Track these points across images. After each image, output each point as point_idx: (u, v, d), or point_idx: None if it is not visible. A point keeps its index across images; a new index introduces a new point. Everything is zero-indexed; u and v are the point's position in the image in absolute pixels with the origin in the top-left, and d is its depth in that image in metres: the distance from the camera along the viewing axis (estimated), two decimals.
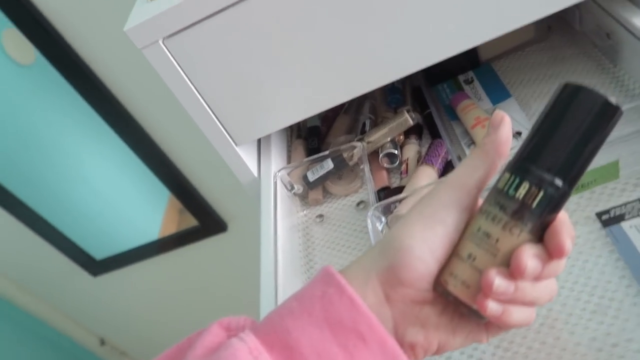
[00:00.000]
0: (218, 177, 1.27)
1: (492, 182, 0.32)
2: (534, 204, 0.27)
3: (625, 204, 0.47)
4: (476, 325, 0.33)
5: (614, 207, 0.47)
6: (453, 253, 0.31)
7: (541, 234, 0.29)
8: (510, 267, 0.28)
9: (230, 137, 0.57)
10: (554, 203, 0.28)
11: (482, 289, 0.29)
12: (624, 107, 0.46)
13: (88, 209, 1.39)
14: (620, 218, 0.46)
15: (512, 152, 0.31)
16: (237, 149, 0.58)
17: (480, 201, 0.32)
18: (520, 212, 0.28)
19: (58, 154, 1.23)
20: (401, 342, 0.31)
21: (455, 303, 0.31)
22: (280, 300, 0.48)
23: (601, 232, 0.46)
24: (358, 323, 0.29)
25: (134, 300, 1.65)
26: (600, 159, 0.47)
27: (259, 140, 0.67)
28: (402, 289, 0.31)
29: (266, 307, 0.47)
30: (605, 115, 0.27)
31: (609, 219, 0.46)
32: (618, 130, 0.49)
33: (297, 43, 0.50)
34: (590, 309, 0.42)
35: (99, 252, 1.50)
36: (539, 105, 0.61)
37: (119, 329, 1.78)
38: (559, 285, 0.44)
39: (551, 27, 0.69)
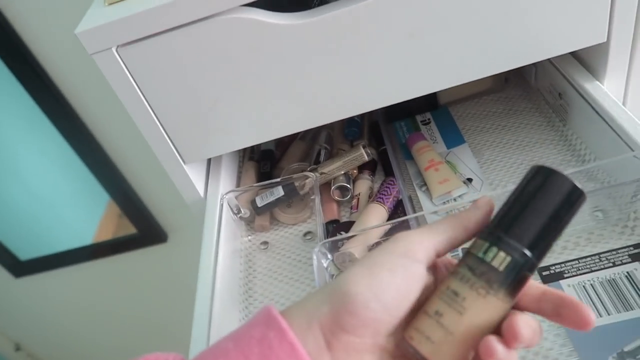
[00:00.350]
0: (163, 186, 1.22)
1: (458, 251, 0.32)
2: (501, 268, 0.29)
3: (565, 262, 0.48)
4: None
5: (555, 264, 0.48)
6: (420, 311, 0.30)
7: (510, 300, 0.30)
8: (505, 335, 0.28)
9: (179, 154, 0.54)
10: (521, 269, 0.29)
11: (483, 354, 0.27)
12: (571, 171, 0.47)
13: (16, 205, 1.30)
14: (559, 275, 0.47)
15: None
16: (185, 167, 0.55)
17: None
18: (487, 273, 0.29)
19: None
20: None
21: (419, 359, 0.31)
22: (214, 329, 0.45)
23: None
24: None
25: (57, 306, 1.55)
26: None
27: (209, 160, 0.64)
28: (345, 336, 0.29)
29: (198, 334, 0.45)
30: (572, 198, 0.30)
31: (549, 276, 0.47)
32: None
33: (258, 68, 0.49)
34: None
35: (24, 253, 1.40)
36: (491, 153, 0.62)
37: (37, 336, 1.66)
38: None
39: (508, 79, 0.72)
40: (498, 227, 0.30)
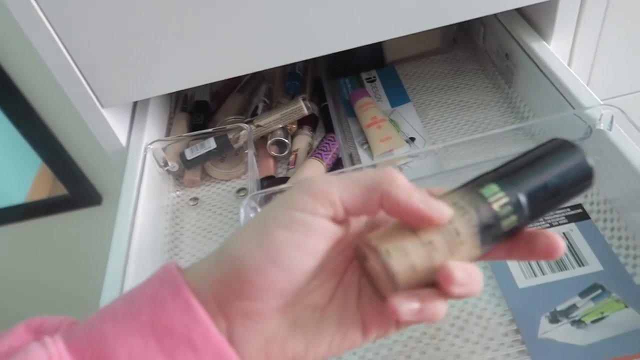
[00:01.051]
0: (97, 147, 1.15)
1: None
2: (506, 229, 0.28)
3: None
4: (344, 329, 0.28)
5: None
6: (409, 230, 0.27)
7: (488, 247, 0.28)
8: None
9: (96, 97, 0.48)
10: (515, 230, 0.28)
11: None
12: (511, 127, 0.46)
13: None
14: None
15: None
16: (102, 111, 0.50)
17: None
18: (493, 231, 0.27)
19: None
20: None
21: (372, 278, 0.28)
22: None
23: None
24: (190, 330, 0.24)
25: None
26: None
27: (134, 107, 0.58)
28: (242, 303, 0.25)
29: (108, 297, 0.40)
30: (585, 181, 0.29)
31: None
32: (504, 150, 0.49)
33: (186, 3, 0.43)
34: (459, 324, 0.41)
35: None
36: (435, 113, 0.60)
37: None
38: None
39: (456, 40, 0.70)
40: (520, 188, 0.28)
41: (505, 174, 0.29)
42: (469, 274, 0.25)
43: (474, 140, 0.45)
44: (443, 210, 0.26)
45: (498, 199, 0.28)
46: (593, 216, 0.45)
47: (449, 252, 0.26)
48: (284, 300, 0.26)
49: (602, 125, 0.43)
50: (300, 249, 0.25)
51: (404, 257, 0.26)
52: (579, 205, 0.46)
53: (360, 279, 0.29)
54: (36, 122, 1.09)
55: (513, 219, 0.27)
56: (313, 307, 0.28)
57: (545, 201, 0.29)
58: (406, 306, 0.25)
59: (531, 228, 0.29)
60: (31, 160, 1.21)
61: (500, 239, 0.28)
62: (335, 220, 0.26)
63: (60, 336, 0.26)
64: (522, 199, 0.28)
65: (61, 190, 1.28)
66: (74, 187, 1.27)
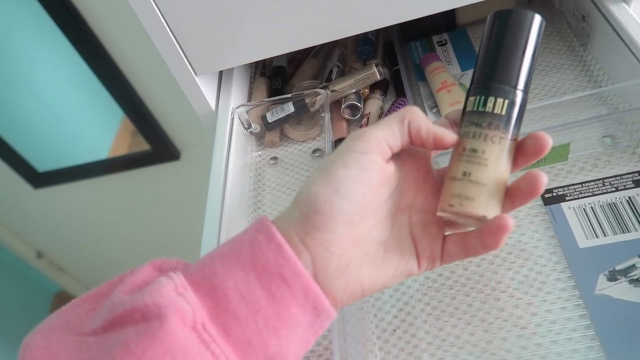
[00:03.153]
0: (176, 105, 1.23)
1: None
2: (503, 111, 0.32)
3: (568, 186, 0.48)
4: (405, 259, 0.35)
5: (558, 188, 0.49)
6: (447, 179, 0.34)
7: (517, 136, 0.33)
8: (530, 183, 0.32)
9: (191, 65, 0.54)
10: (518, 106, 0.32)
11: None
12: (585, 93, 0.47)
13: (33, 119, 1.32)
14: (561, 198, 0.48)
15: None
16: (196, 78, 0.55)
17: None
18: (494, 122, 0.32)
19: (5, 58, 1.15)
20: (322, 288, 0.32)
21: (460, 222, 0.35)
22: (223, 238, 0.48)
23: (542, 209, 0.48)
24: (283, 268, 0.30)
25: (74, 217, 1.61)
26: (553, 140, 0.48)
27: (221, 74, 0.64)
28: (319, 234, 0.31)
29: (208, 243, 0.47)
30: (533, 25, 0.32)
31: (551, 198, 0.48)
32: (573, 116, 0.50)
33: None
34: (519, 279, 0.44)
35: (42, 165, 1.44)
36: None
37: (57, 244, 1.75)
38: (493, 254, 0.47)
39: (531, 1, 0.69)
40: (483, 79, 0.33)
41: (478, 79, 0.33)
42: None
43: (544, 107, 0.46)
44: (450, 133, 0.33)
45: (476, 102, 0.33)
46: None
47: (482, 167, 0.32)
48: (352, 232, 0.32)
49: None
50: (356, 180, 0.31)
51: (457, 198, 0.32)
52: None
53: (410, 216, 0.36)
54: (122, 81, 1.17)
55: (498, 101, 0.32)
56: (377, 242, 0.34)
57: (519, 70, 0.32)
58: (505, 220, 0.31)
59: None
60: (114, 116, 1.31)
61: (512, 120, 0.32)
62: (383, 156, 0.33)
63: (180, 272, 0.32)
64: (500, 86, 0.32)
65: (141, 146, 1.38)
66: (155, 142, 1.36)
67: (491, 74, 0.33)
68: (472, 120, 0.33)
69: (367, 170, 0.32)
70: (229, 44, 0.53)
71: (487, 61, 0.33)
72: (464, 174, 0.32)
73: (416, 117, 0.33)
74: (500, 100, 0.32)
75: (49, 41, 1.09)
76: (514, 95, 0.32)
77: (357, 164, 0.32)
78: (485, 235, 0.32)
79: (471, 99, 0.34)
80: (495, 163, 0.32)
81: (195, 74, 0.55)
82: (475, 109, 0.33)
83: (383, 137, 0.32)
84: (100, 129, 1.41)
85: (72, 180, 1.48)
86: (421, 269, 0.36)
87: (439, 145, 0.33)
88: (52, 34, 1.05)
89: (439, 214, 0.34)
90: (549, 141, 0.32)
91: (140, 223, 1.64)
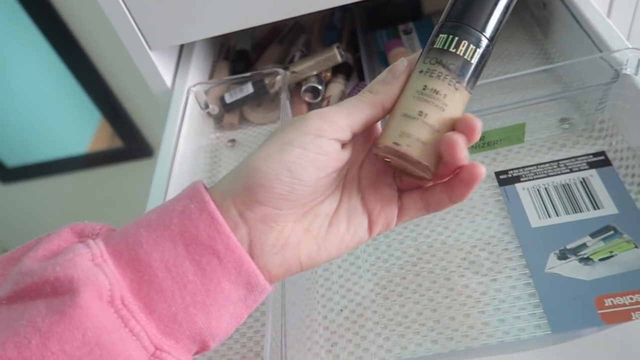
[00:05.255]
0: (149, 101, 1.21)
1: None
2: (473, 59, 0.30)
3: (523, 167, 0.48)
4: (353, 229, 0.32)
5: (513, 169, 0.48)
6: (396, 115, 0.30)
7: (472, 90, 0.31)
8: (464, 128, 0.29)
9: (145, 39, 0.53)
10: (485, 59, 0.30)
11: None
12: (538, 69, 0.46)
13: (5, 114, 1.29)
14: (516, 179, 0.47)
15: None
16: (150, 53, 0.54)
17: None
18: (462, 68, 0.30)
19: None
20: (257, 264, 0.30)
21: (390, 166, 0.32)
22: None
23: (497, 190, 0.47)
24: (214, 241, 0.28)
25: (44, 214, 1.58)
26: (509, 119, 0.48)
27: (180, 52, 0.63)
28: (260, 208, 0.29)
29: None
30: None
31: (506, 179, 0.47)
32: (528, 93, 0.49)
33: None
34: (470, 259, 0.43)
35: (11, 159, 1.41)
36: None
37: (25, 242, 1.70)
38: (446, 235, 0.45)
39: None
40: (459, 19, 0.30)
41: (456, 17, 0.31)
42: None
43: (499, 82, 0.46)
44: (397, 64, 0.31)
45: (449, 41, 0.30)
46: (615, 163, 0.45)
47: (440, 111, 0.29)
48: (297, 210, 0.30)
49: (629, 70, 0.43)
50: (313, 164, 0.29)
51: (408, 138, 0.29)
52: (602, 153, 0.46)
53: (360, 182, 0.33)
54: (94, 75, 1.16)
55: (471, 47, 0.30)
56: (324, 215, 0.32)
57: (498, 23, 0.30)
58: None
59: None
60: (92, 115, 1.29)
61: (477, 72, 0.30)
62: (343, 141, 0.30)
63: (101, 239, 0.30)
64: (468, 28, 0.30)
65: (118, 143, 1.36)
66: (129, 140, 1.35)
67: (471, 18, 0.30)
68: (440, 59, 0.30)
69: (326, 155, 0.29)
70: (185, 17, 0.51)
71: (469, 3, 0.31)
72: (420, 113, 0.29)
73: (388, 95, 0.30)
74: (472, 47, 0.30)
75: (18, 30, 1.07)
76: (486, 45, 0.30)
77: (316, 148, 0.29)
78: (457, 186, 0.30)
79: (443, 36, 0.30)
80: (452, 111, 0.30)
81: (150, 48, 0.54)
82: (445, 47, 0.30)
83: (348, 124, 0.30)
84: (73, 125, 1.38)
85: (43, 176, 1.45)
86: (372, 234, 0.33)
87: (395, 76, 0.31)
88: (22, 22, 1.03)
89: (376, 151, 0.31)
90: (481, 172, 0.29)
91: (111, 221, 1.60)
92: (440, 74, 0.29)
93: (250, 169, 0.29)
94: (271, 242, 0.30)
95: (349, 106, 0.30)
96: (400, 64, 0.31)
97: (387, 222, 0.33)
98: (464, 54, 0.29)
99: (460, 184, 0.30)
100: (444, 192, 0.31)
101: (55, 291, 0.26)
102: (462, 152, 0.28)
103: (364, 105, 0.30)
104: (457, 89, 0.30)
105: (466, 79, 0.30)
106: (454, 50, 0.29)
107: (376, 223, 0.33)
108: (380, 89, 0.30)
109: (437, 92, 0.29)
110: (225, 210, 0.29)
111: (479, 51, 0.30)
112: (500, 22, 0.30)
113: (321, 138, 0.29)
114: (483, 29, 0.30)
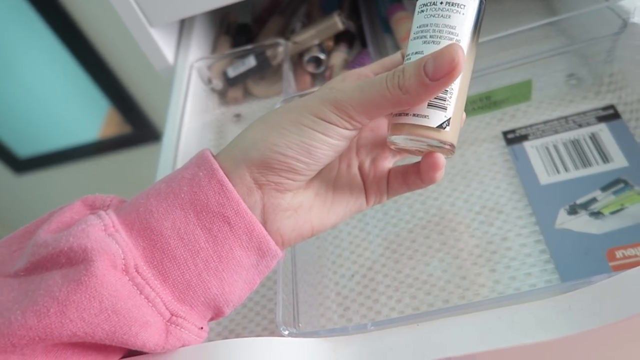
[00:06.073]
0: (158, 85, 1.21)
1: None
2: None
3: (531, 125, 0.47)
4: (355, 196, 0.35)
5: (520, 128, 0.47)
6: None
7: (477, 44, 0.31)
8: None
9: (144, 15, 0.52)
10: (483, 11, 0.31)
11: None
12: (542, 22, 0.45)
13: (15, 105, 1.30)
14: (523, 138, 0.46)
15: None
16: (150, 30, 0.53)
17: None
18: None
19: None
20: (270, 229, 0.31)
21: (414, 147, 0.32)
22: None
23: (504, 150, 0.47)
24: (224, 207, 0.29)
25: (58, 202, 1.59)
26: (515, 77, 0.47)
27: (181, 29, 0.62)
28: (275, 178, 0.30)
29: None
30: None
31: (514, 138, 0.47)
32: (534, 49, 0.48)
33: None
34: (480, 219, 0.43)
35: (23, 150, 1.42)
36: None
37: None
38: (455, 197, 0.45)
39: None
40: None
41: None
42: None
43: (503, 38, 0.45)
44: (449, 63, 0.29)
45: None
46: (625, 116, 0.45)
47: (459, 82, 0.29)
48: (308, 180, 0.32)
49: (637, 19, 0.42)
50: (332, 149, 0.30)
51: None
52: (612, 106, 0.45)
53: (358, 156, 0.35)
54: (100, 62, 1.16)
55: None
56: (327, 181, 0.34)
57: None
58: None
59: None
60: (100, 102, 1.30)
61: (479, 26, 0.31)
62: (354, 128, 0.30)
63: (112, 210, 0.30)
64: None
65: (127, 129, 1.37)
66: (138, 125, 1.36)
67: None
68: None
69: (345, 140, 0.30)
70: None
71: None
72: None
73: (418, 99, 0.29)
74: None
75: (23, 22, 1.07)
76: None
77: (338, 136, 0.29)
78: (424, 171, 0.32)
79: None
80: (465, 77, 0.30)
81: (150, 24, 0.53)
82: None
83: (367, 118, 0.29)
84: (82, 113, 1.39)
85: (55, 165, 1.46)
86: (369, 204, 0.35)
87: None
88: (26, 13, 1.03)
89: (393, 138, 0.31)
90: (440, 164, 0.32)
91: None
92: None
93: (270, 145, 0.29)
94: (284, 206, 0.31)
95: (370, 99, 0.29)
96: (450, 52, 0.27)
97: (380, 193, 0.35)
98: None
99: (426, 171, 0.32)
100: (416, 174, 0.33)
101: (69, 261, 0.27)
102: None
103: (389, 103, 0.28)
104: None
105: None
106: None
107: (370, 193, 0.35)
108: (414, 90, 0.28)
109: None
110: (239, 177, 0.30)
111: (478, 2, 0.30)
112: None
113: (344, 129, 0.30)
114: None
